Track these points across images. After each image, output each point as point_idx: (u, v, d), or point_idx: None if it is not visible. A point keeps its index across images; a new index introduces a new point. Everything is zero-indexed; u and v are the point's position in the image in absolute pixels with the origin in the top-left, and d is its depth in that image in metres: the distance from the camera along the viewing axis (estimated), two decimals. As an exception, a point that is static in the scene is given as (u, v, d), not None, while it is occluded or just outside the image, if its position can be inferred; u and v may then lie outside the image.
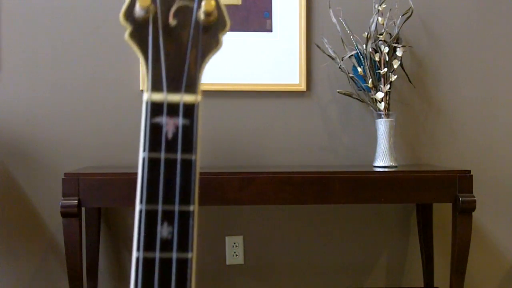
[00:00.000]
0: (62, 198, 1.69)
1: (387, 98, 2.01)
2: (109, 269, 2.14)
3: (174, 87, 0.61)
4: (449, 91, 2.22)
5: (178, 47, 0.61)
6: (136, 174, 0.61)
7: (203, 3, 0.60)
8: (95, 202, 1.75)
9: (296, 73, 2.14)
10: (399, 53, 2.01)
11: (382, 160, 2.00)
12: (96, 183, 1.71)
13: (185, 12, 0.62)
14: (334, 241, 2.20)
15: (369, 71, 2.01)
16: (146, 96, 0.61)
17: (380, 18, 2.03)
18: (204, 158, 2.12)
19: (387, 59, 2.01)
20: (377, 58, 2.01)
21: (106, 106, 2.10)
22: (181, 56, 0.61)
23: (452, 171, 1.81)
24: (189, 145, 0.60)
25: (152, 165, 0.60)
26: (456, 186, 1.78)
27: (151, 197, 0.59)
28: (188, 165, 0.60)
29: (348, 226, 2.21)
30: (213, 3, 0.60)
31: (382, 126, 2.00)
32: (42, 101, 2.09)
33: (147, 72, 0.61)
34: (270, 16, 2.13)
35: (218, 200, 1.75)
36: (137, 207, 0.59)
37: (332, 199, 1.78)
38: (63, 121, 2.09)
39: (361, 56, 2.03)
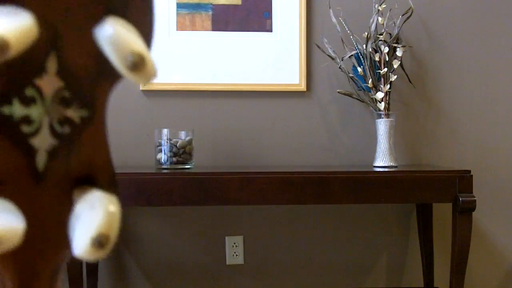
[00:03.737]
0: (62, 198, 1.68)
1: (387, 98, 2.01)
2: (109, 269, 2.14)
3: None
4: (449, 91, 2.22)
5: None
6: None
7: None
8: (95, 202, 1.75)
9: (296, 73, 2.14)
10: (399, 53, 2.01)
11: (382, 160, 2.00)
12: (96, 183, 1.70)
13: None
14: (334, 241, 2.20)
15: (369, 71, 2.01)
16: None
17: (380, 18, 2.03)
18: (204, 158, 2.12)
19: (387, 59, 2.01)
20: (377, 58, 2.01)
21: (106, 106, 2.10)
22: None
23: (452, 171, 1.81)
24: None
25: None
26: (456, 186, 1.78)
27: None
28: None
29: (348, 226, 2.21)
30: None
31: (382, 126, 2.00)
32: (42, 101, 2.08)
33: None
34: (270, 16, 2.13)
35: (218, 200, 1.75)
36: None
37: (332, 199, 1.78)
38: (63, 121, 2.09)
39: (361, 56, 2.03)
